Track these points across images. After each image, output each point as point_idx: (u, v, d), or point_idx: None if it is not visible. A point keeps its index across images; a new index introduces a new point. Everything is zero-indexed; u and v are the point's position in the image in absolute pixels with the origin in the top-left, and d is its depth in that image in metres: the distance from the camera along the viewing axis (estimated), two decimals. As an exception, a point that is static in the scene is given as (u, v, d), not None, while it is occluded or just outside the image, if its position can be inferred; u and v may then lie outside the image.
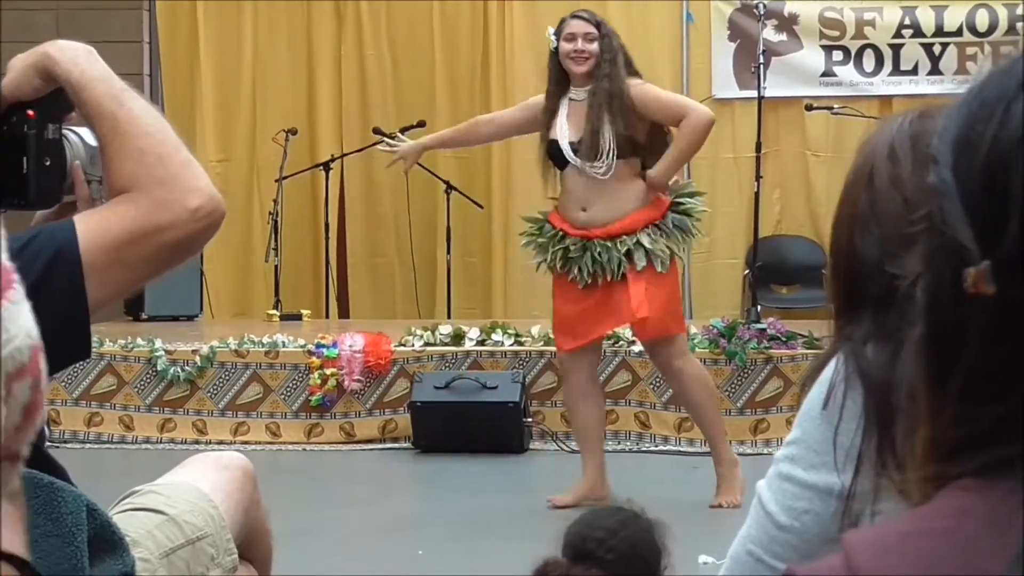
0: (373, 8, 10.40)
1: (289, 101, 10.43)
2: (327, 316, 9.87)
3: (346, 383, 7.81)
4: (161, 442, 7.86)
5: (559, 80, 6.13)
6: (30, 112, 2.10)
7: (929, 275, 1.01)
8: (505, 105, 10.13)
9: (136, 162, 2.05)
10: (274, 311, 9.45)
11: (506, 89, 10.20)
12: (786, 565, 1.81)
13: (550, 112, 6.12)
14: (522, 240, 6.37)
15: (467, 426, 7.35)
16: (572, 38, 6.04)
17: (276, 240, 9.62)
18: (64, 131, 2.15)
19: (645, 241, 6.01)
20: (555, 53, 6.11)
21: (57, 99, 2.11)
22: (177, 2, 10.41)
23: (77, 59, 2.10)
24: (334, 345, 7.87)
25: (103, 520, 1.99)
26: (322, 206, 9.99)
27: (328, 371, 7.82)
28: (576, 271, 6.07)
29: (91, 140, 2.16)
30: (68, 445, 7.65)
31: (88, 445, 7.82)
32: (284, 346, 7.96)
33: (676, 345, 6.19)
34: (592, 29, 6.05)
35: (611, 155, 5.98)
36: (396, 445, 7.74)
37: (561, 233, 6.12)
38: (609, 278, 6.03)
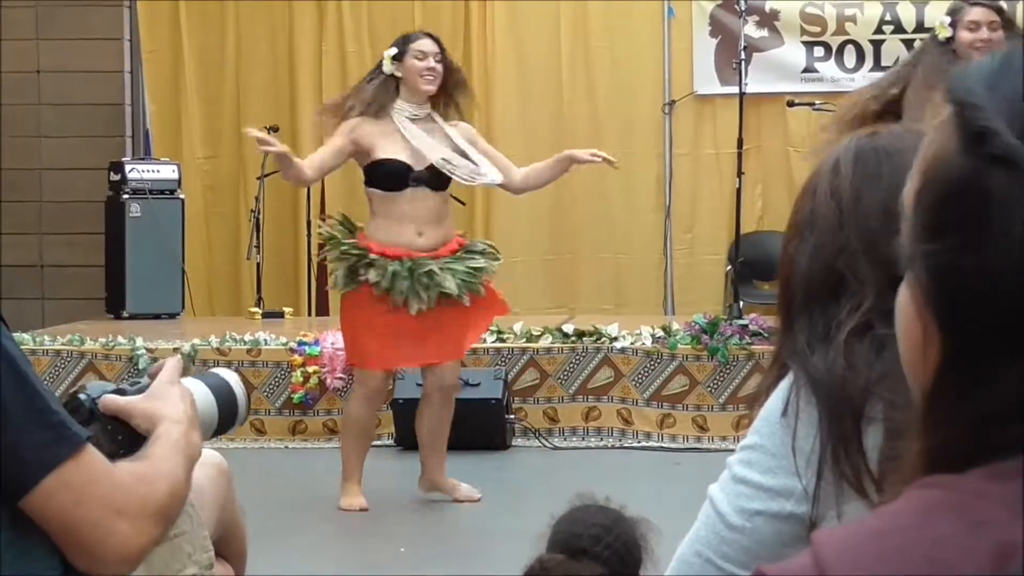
0: (355, 7, 10.37)
1: (271, 98, 10.40)
2: (309, 314, 9.85)
3: (328, 381, 7.79)
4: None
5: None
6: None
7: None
8: (487, 102, 10.18)
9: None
10: (256, 309, 9.43)
11: (487, 87, 10.19)
12: (734, 566, 1.83)
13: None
14: (331, 255, 6.24)
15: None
16: (423, 56, 6.21)
17: (258, 238, 9.60)
18: None
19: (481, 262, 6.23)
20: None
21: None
22: (158, 1, 10.36)
23: (177, 445, 2.02)
24: (316, 343, 7.86)
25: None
26: (303, 204, 9.97)
27: (310, 369, 7.80)
28: (416, 296, 6.06)
29: None
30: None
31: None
32: (266, 344, 7.95)
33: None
34: (437, 50, 6.27)
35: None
36: (378, 443, 7.71)
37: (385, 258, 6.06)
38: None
